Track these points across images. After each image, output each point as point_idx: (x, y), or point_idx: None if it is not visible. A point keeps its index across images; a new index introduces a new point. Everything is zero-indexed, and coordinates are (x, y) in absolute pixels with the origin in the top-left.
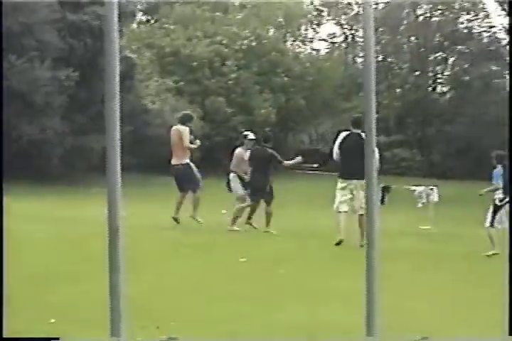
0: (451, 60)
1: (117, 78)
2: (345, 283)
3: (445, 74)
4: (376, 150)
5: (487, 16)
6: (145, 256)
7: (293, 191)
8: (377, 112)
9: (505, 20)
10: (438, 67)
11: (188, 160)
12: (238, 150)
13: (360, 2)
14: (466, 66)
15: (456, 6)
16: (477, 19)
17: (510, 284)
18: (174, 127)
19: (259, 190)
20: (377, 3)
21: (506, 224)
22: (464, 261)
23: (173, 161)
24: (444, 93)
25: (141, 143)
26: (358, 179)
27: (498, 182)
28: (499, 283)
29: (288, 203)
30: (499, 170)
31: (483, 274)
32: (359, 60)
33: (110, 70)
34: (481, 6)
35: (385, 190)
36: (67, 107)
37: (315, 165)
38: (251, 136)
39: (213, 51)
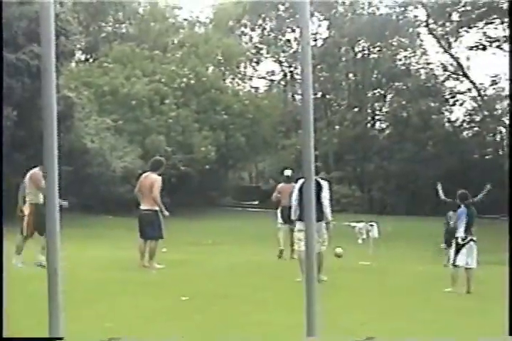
0: (389, 96)
1: (55, 117)
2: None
3: (383, 110)
4: (327, 193)
5: (424, 53)
6: (83, 296)
7: (236, 229)
8: (316, 149)
9: (443, 57)
10: (376, 104)
11: (158, 208)
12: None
13: (298, 39)
14: (404, 102)
15: (394, 43)
16: (414, 56)
17: (510, 284)
18: (146, 174)
19: None
20: (315, 40)
21: (472, 265)
22: (400, 295)
23: (143, 206)
24: (382, 129)
25: (82, 183)
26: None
27: (462, 221)
28: (432, 319)
29: (230, 241)
30: (463, 209)
31: (417, 309)
32: (298, 97)
33: (48, 109)
34: (418, 42)
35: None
36: (5, 147)
37: (255, 202)
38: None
39: (152, 89)
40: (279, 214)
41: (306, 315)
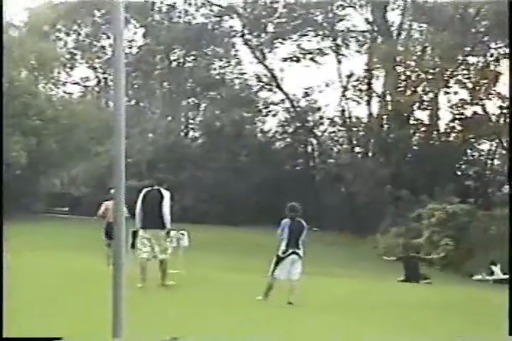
0: (203, 105)
1: None
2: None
3: (197, 119)
4: (168, 202)
5: (239, 63)
6: None
7: (48, 234)
8: (130, 156)
9: (257, 68)
10: (190, 113)
11: None
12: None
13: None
14: (217, 112)
15: (209, 52)
16: (229, 66)
17: (510, 285)
18: None
19: None
20: (131, 47)
21: (295, 276)
22: (206, 304)
23: None
24: (196, 138)
25: None
26: (155, 229)
27: (284, 233)
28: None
29: (44, 247)
30: (287, 221)
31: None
32: (112, 103)
33: None
34: (233, 52)
35: (135, 234)
36: None
37: (65, 209)
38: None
39: None
40: (104, 230)
41: (112, 316)
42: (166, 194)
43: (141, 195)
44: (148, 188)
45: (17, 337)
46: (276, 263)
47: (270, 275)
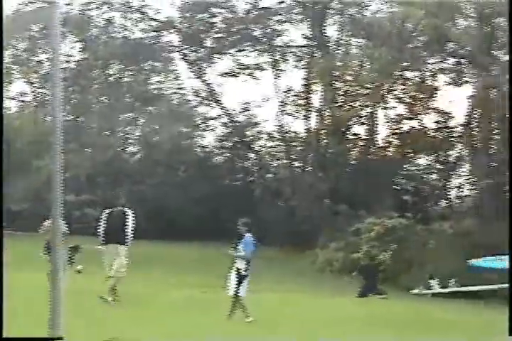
0: (141, 120)
1: None
2: None
3: (135, 134)
4: (132, 220)
5: (177, 78)
6: None
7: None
8: (67, 171)
9: (195, 82)
10: (128, 128)
11: None
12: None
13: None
14: (156, 127)
15: (147, 67)
16: (167, 81)
17: (510, 286)
18: None
19: None
20: (68, 62)
21: (243, 293)
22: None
23: None
24: (134, 153)
25: None
26: (115, 243)
27: (247, 250)
28: None
29: None
30: (250, 237)
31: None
32: (50, 118)
33: None
34: (171, 67)
35: (74, 249)
36: None
37: (3, 224)
38: None
39: None
40: (45, 246)
41: (50, 315)
42: (130, 213)
43: (105, 214)
44: (112, 209)
45: (17, 337)
46: (240, 282)
47: (234, 294)
